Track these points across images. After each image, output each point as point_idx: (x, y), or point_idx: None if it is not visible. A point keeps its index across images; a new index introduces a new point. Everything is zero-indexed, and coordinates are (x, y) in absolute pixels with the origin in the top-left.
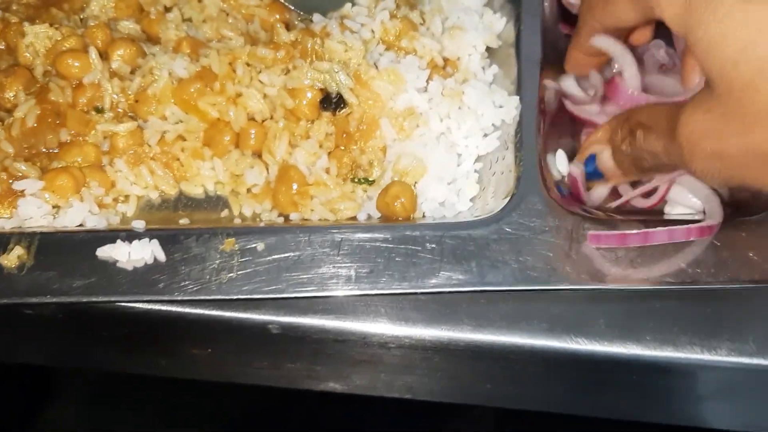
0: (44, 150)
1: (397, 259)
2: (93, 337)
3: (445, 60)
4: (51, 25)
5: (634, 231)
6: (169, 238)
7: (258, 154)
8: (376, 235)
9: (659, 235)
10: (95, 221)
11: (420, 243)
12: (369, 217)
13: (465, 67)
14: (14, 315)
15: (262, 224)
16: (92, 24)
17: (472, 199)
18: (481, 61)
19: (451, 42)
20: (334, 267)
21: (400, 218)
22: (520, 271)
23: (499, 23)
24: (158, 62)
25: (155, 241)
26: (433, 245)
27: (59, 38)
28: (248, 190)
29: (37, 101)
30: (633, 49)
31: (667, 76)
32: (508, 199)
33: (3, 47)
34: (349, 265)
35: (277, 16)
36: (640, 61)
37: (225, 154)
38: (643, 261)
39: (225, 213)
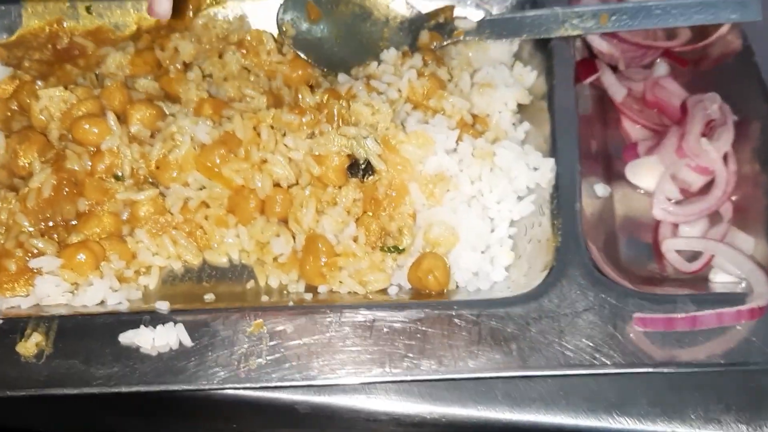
0: (61, 221)
1: (432, 340)
2: (111, 407)
3: (474, 117)
4: (66, 87)
5: (682, 315)
6: (194, 321)
7: (284, 221)
8: (411, 315)
9: (708, 319)
10: (117, 298)
11: (456, 323)
12: (400, 288)
13: (495, 124)
14: None
15: (290, 303)
16: (109, 83)
17: (507, 268)
18: (511, 118)
19: (480, 99)
20: (366, 350)
21: (432, 292)
22: (562, 354)
23: (530, 76)
24: (180, 127)
25: (180, 326)
26: (470, 325)
27: (74, 101)
28: (274, 260)
29: (53, 170)
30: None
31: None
32: (547, 272)
33: (16, 108)
34: (382, 347)
35: (300, 73)
36: (684, 110)
37: (250, 222)
38: (690, 340)
39: (251, 284)
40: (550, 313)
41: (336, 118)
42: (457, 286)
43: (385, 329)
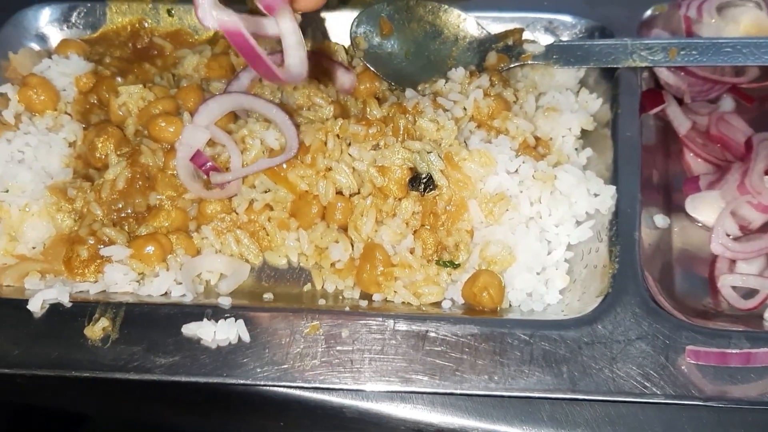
0: (132, 213)
1: (483, 356)
2: (165, 397)
3: (537, 139)
4: (144, 85)
5: (736, 351)
6: (254, 318)
7: (343, 229)
8: (464, 329)
9: (763, 357)
10: (181, 290)
11: (509, 341)
12: (453, 303)
13: (558, 148)
14: None
15: (346, 308)
16: (185, 84)
17: (561, 292)
18: (574, 143)
19: (544, 122)
20: (417, 361)
21: (486, 309)
22: (612, 381)
23: (595, 103)
24: (251, 131)
25: (241, 322)
26: (523, 345)
27: (152, 99)
28: (332, 265)
29: (128, 163)
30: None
31: None
32: (602, 298)
33: (95, 101)
34: (434, 360)
35: (368, 86)
36: (749, 147)
37: (311, 227)
38: (742, 377)
39: (308, 287)
40: (602, 339)
41: (401, 132)
42: (510, 306)
43: (437, 341)
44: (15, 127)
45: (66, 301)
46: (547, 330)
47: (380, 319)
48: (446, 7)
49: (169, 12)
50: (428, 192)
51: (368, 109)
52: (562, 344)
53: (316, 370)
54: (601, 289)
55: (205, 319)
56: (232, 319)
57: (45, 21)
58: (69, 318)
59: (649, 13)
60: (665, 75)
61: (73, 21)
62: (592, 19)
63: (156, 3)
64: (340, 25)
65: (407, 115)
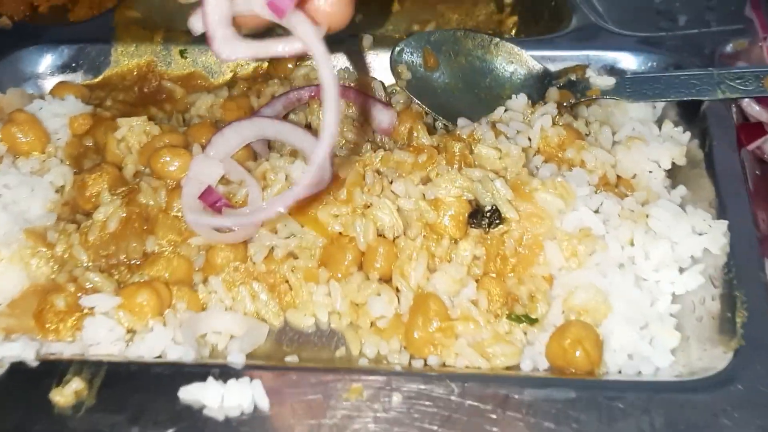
0: (125, 260)
1: (587, 428)
2: None
3: (617, 178)
4: (149, 118)
5: None
6: (275, 380)
7: (385, 280)
8: (556, 394)
9: None
10: (180, 352)
11: (618, 408)
12: (534, 368)
13: (645, 185)
14: None
15: (397, 368)
16: (197, 122)
17: (673, 352)
18: (663, 180)
19: (626, 156)
20: None
21: (579, 372)
22: None
23: (682, 137)
24: (273, 166)
25: (258, 383)
26: (638, 412)
27: (157, 133)
28: (372, 324)
29: (123, 203)
30: None
31: None
32: (733, 353)
33: (90, 144)
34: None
35: (408, 126)
36: None
37: (345, 278)
38: None
39: (341, 352)
40: (746, 402)
41: (457, 160)
42: (607, 371)
43: (523, 410)
44: None
45: (31, 358)
46: (669, 393)
47: (444, 381)
48: (497, 40)
49: (182, 53)
50: (494, 228)
51: (416, 135)
52: (691, 410)
53: None
54: (729, 343)
55: (210, 379)
56: (247, 379)
57: (42, 65)
58: (33, 379)
59: (729, 48)
60: (756, 110)
61: (74, 65)
62: (662, 56)
63: (167, 44)
64: (377, 62)
65: (463, 143)
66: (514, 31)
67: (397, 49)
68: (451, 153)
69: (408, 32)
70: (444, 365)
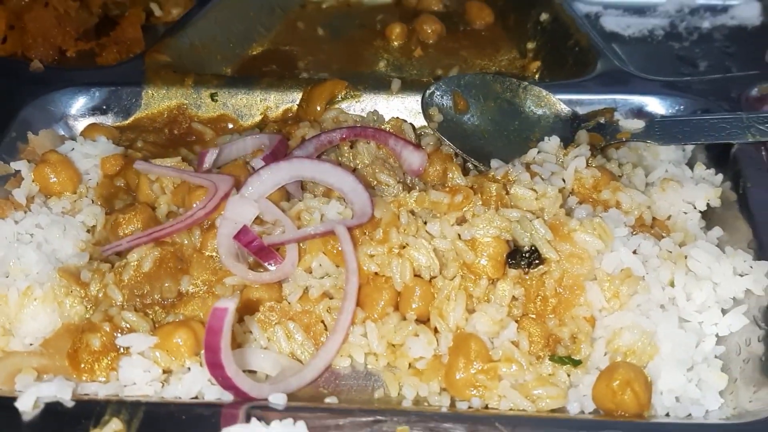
0: (159, 299)
1: None
2: None
3: (652, 219)
4: (183, 159)
5: None
6: (318, 421)
7: (422, 321)
8: None
9: None
10: (216, 393)
11: None
12: (581, 411)
13: (682, 227)
14: None
15: (443, 409)
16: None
17: (721, 394)
18: (699, 221)
19: (661, 197)
20: None
21: (627, 414)
22: None
23: (715, 179)
24: (308, 206)
25: (302, 425)
26: None
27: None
28: (410, 365)
29: (156, 243)
30: None
31: None
32: None
33: (122, 185)
34: None
35: (438, 168)
36: None
37: (382, 318)
38: None
39: (379, 393)
40: None
41: (494, 201)
42: (655, 415)
43: None
44: (26, 208)
45: (67, 399)
46: None
47: (493, 424)
48: (526, 84)
49: (212, 96)
50: (534, 268)
51: (451, 176)
52: None
53: None
54: None
55: (254, 420)
56: (290, 420)
57: (74, 107)
58: (70, 420)
59: (755, 92)
60: None
61: (105, 108)
62: (688, 100)
63: (198, 87)
64: (401, 110)
65: (498, 184)
66: (537, 76)
67: (429, 91)
68: (487, 193)
69: (433, 77)
70: (486, 408)
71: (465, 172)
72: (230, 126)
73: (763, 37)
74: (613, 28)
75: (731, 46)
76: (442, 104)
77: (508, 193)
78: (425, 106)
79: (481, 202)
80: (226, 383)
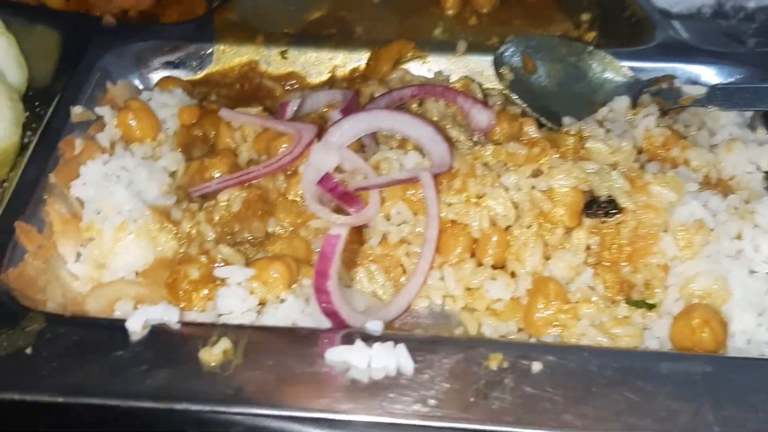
0: (249, 238)
1: (723, 400)
2: None
3: (718, 179)
4: (264, 108)
5: None
6: (416, 346)
7: (497, 267)
8: (692, 367)
9: None
10: (310, 323)
11: (751, 385)
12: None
13: (746, 185)
14: None
15: (531, 340)
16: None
17: None
18: (763, 181)
19: (726, 157)
20: (642, 406)
21: (703, 352)
22: None
23: None
24: (386, 156)
25: (402, 347)
26: None
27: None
28: (487, 307)
29: (243, 186)
30: None
31: None
32: None
33: (200, 134)
34: (662, 402)
35: (505, 126)
36: None
37: (459, 264)
38: None
39: (459, 330)
40: None
41: (571, 153)
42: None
43: (665, 381)
44: (110, 151)
45: (174, 322)
46: None
47: (582, 354)
48: (591, 48)
49: (282, 54)
50: (610, 218)
51: (526, 129)
52: None
53: (507, 411)
54: None
55: (358, 341)
56: (391, 342)
57: (146, 62)
58: (178, 340)
59: None
60: None
61: (177, 62)
62: (744, 70)
63: (268, 45)
64: (467, 71)
65: (574, 138)
66: (594, 42)
67: (500, 50)
68: (564, 146)
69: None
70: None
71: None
72: (298, 83)
73: None
74: (662, 5)
75: None
76: (513, 63)
77: (583, 147)
78: (497, 65)
79: (557, 155)
80: (329, 309)
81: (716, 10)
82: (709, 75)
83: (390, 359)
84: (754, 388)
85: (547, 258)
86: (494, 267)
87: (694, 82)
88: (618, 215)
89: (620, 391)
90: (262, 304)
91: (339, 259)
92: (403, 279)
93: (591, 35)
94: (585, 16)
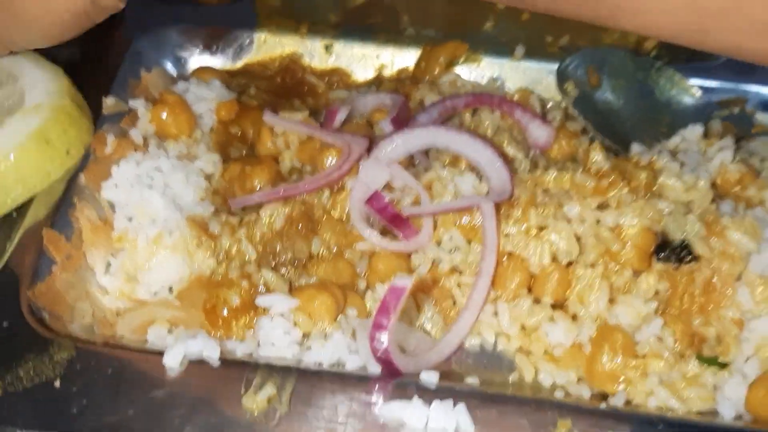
0: (293, 259)
1: None
2: None
3: None
4: (311, 113)
5: None
6: (479, 406)
7: (555, 307)
8: None
9: None
10: (357, 361)
11: None
12: (738, 416)
13: None
14: None
15: (602, 406)
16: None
17: None
18: None
19: None
20: None
21: None
22: None
23: None
24: (440, 176)
25: (462, 407)
26: None
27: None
28: (546, 352)
29: (287, 200)
30: None
31: None
32: None
33: (237, 133)
34: None
35: (564, 144)
36: None
37: (513, 300)
38: None
39: (514, 377)
40: None
41: (642, 189)
42: None
43: None
44: (143, 149)
45: (215, 357)
46: None
47: (657, 425)
48: (660, 64)
49: (327, 48)
50: (685, 264)
51: (592, 158)
52: None
53: None
54: None
55: (416, 397)
56: (450, 401)
57: (183, 45)
58: (218, 381)
59: None
60: None
61: (215, 48)
62: None
63: (313, 36)
64: (522, 78)
65: (646, 172)
66: (654, 54)
67: (565, 64)
68: (636, 180)
69: (558, 46)
70: (629, 403)
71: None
72: (343, 81)
73: None
74: None
75: None
76: (578, 77)
77: (655, 181)
78: (561, 79)
79: (627, 189)
80: (383, 358)
81: None
82: None
83: (449, 421)
84: None
85: (611, 302)
86: (553, 306)
87: (766, 104)
88: (691, 263)
89: None
90: (305, 336)
91: (400, 310)
92: (453, 313)
93: (652, 42)
94: None
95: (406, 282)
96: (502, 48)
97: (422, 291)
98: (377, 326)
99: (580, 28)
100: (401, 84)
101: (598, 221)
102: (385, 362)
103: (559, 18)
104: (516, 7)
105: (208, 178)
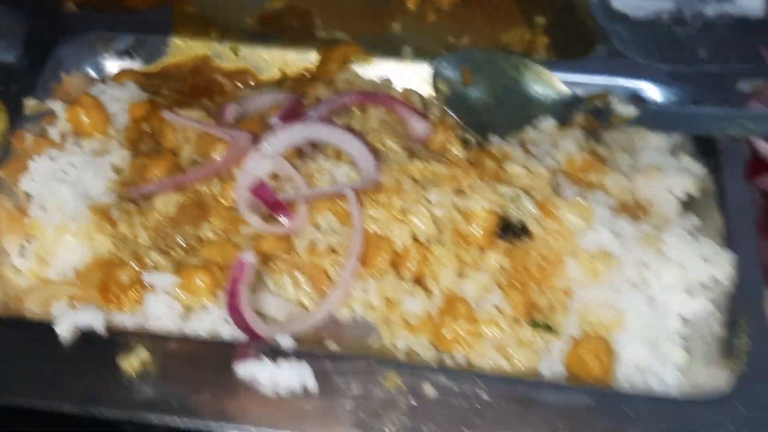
0: (182, 242)
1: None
2: None
3: (635, 203)
4: (208, 113)
5: None
6: (319, 366)
7: (417, 281)
8: (574, 399)
9: None
10: (231, 331)
11: (630, 417)
12: (552, 373)
13: (660, 212)
14: None
15: (430, 363)
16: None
17: (680, 370)
18: (677, 208)
19: (645, 182)
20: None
21: (591, 379)
22: None
23: (697, 169)
24: (320, 167)
25: (306, 366)
26: (650, 424)
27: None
28: (404, 321)
29: (179, 189)
30: None
31: None
32: (737, 377)
33: (148, 130)
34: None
35: (441, 136)
36: None
37: (381, 276)
38: None
39: (374, 341)
40: (748, 422)
41: (488, 176)
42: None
43: (547, 410)
44: (60, 145)
45: (100, 327)
46: (679, 409)
47: (475, 379)
48: (529, 62)
49: (234, 51)
50: (521, 242)
51: (448, 152)
52: (697, 425)
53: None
54: (733, 367)
55: (265, 358)
56: (296, 360)
57: (102, 50)
58: (102, 347)
59: (745, 87)
60: (765, 148)
61: (134, 53)
62: (682, 88)
63: (222, 40)
64: (411, 77)
65: (494, 161)
66: (545, 53)
67: (438, 64)
68: (483, 168)
69: (444, 45)
70: (469, 363)
71: (465, 142)
72: (249, 80)
73: (763, 30)
74: (622, 8)
75: (732, 36)
76: (450, 77)
77: (503, 168)
78: (435, 79)
79: (477, 177)
80: (242, 325)
81: (675, 17)
82: (648, 91)
83: (294, 377)
84: (631, 420)
85: (461, 276)
86: (417, 282)
87: (635, 96)
88: (528, 240)
89: (505, 418)
90: (187, 309)
91: (248, 281)
92: (327, 289)
93: (543, 40)
94: (540, 20)
95: (250, 258)
96: (394, 50)
97: (297, 268)
98: (231, 295)
99: (479, 29)
100: (302, 82)
101: (454, 205)
102: (246, 329)
103: (460, 21)
104: None
105: (118, 171)
